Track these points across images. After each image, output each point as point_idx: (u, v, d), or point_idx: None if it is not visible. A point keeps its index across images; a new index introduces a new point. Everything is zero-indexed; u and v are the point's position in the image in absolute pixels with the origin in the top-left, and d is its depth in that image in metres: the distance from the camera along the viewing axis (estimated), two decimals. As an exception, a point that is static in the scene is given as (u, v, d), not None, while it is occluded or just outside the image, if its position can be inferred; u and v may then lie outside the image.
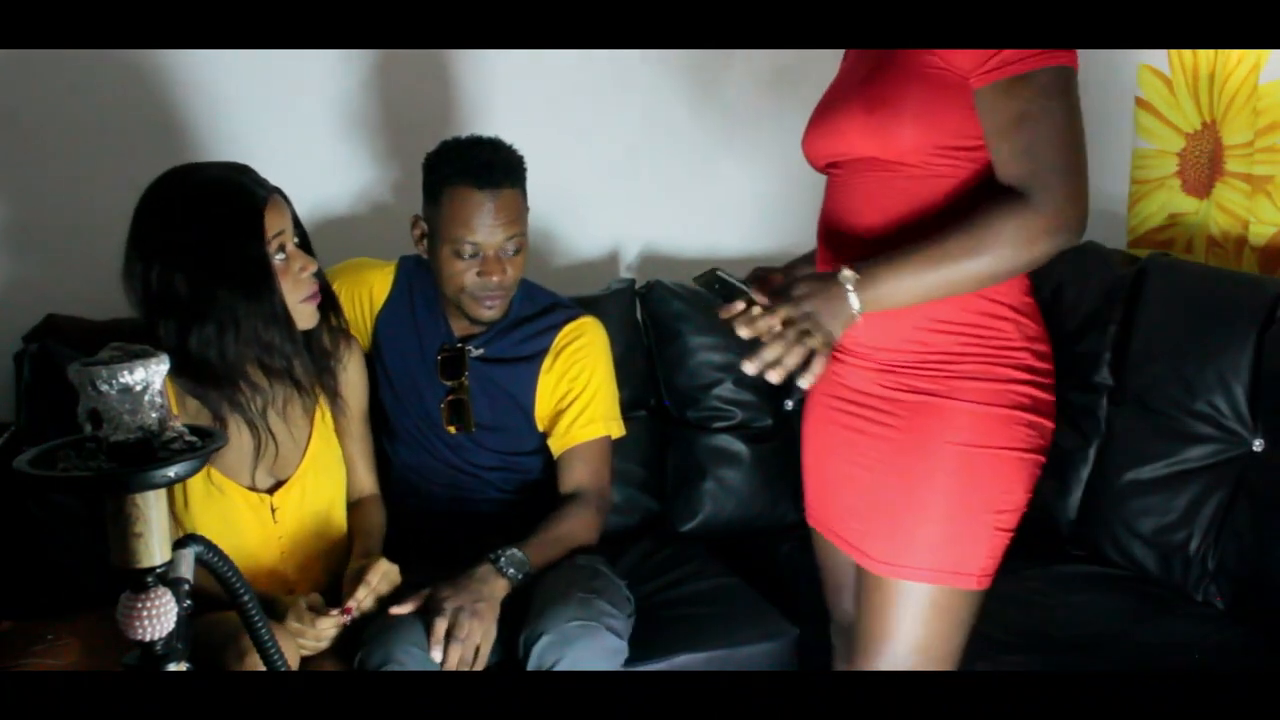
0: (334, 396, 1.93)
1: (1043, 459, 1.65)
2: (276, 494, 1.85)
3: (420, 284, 2.11)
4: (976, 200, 1.47)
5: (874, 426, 1.64)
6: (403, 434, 2.11)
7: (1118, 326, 2.32)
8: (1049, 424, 1.64)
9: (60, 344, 2.07)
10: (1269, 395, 2.06)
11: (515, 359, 2.10)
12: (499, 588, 1.85)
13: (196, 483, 1.77)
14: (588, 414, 2.10)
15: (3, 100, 2.22)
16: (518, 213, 2.00)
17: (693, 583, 2.13)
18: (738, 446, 2.43)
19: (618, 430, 2.15)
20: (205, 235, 1.72)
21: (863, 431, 1.66)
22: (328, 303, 1.89)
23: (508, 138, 2.04)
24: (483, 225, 1.97)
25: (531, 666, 1.78)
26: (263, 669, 1.30)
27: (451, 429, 2.08)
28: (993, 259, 1.44)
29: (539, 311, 2.14)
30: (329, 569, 1.91)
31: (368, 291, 2.13)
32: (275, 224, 1.75)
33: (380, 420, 2.11)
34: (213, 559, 1.17)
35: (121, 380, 0.99)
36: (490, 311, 2.04)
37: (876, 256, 1.50)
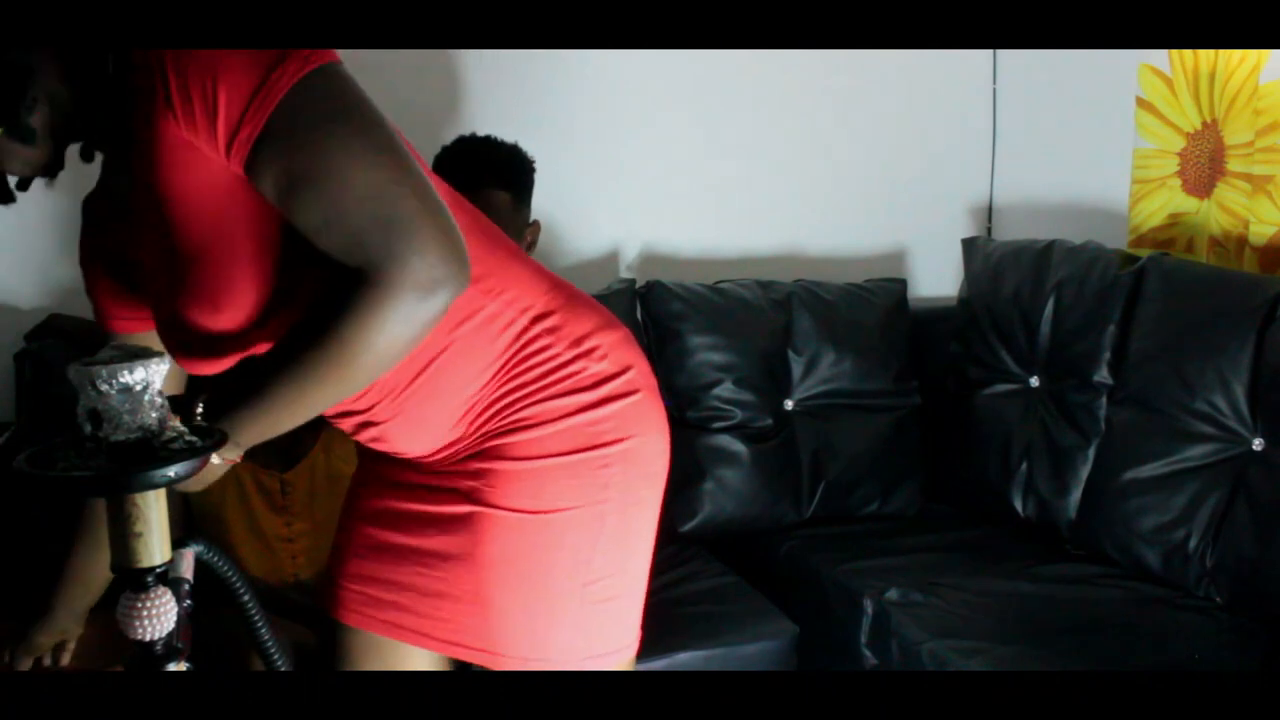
0: None
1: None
2: (288, 473, 1.89)
3: None
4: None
5: None
6: None
7: (1117, 326, 2.32)
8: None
9: (61, 344, 2.07)
10: (1269, 394, 2.05)
11: None
12: None
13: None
14: None
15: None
16: (497, 216, 1.95)
17: (693, 582, 2.13)
18: (737, 446, 2.43)
19: None
20: None
21: None
22: None
23: (508, 138, 2.04)
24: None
25: None
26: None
27: None
28: (373, 359, 1.14)
29: None
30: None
31: None
32: None
33: None
34: (213, 558, 1.17)
35: (121, 380, 0.99)
36: None
37: (226, 398, 1.19)
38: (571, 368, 1.33)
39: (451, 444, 1.34)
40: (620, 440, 1.35)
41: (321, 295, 1.17)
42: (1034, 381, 2.48)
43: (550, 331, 1.33)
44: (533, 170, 2.05)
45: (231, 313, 1.19)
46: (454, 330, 1.27)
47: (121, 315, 1.38)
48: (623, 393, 1.36)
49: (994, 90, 2.97)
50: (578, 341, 1.34)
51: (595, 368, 1.34)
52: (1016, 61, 2.93)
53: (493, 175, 1.97)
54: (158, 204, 1.18)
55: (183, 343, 1.26)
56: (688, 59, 2.61)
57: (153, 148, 1.14)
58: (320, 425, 1.56)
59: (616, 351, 1.37)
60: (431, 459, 1.36)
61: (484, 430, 1.33)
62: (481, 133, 2.04)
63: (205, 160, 1.13)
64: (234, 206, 1.15)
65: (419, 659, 1.42)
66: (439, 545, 1.35)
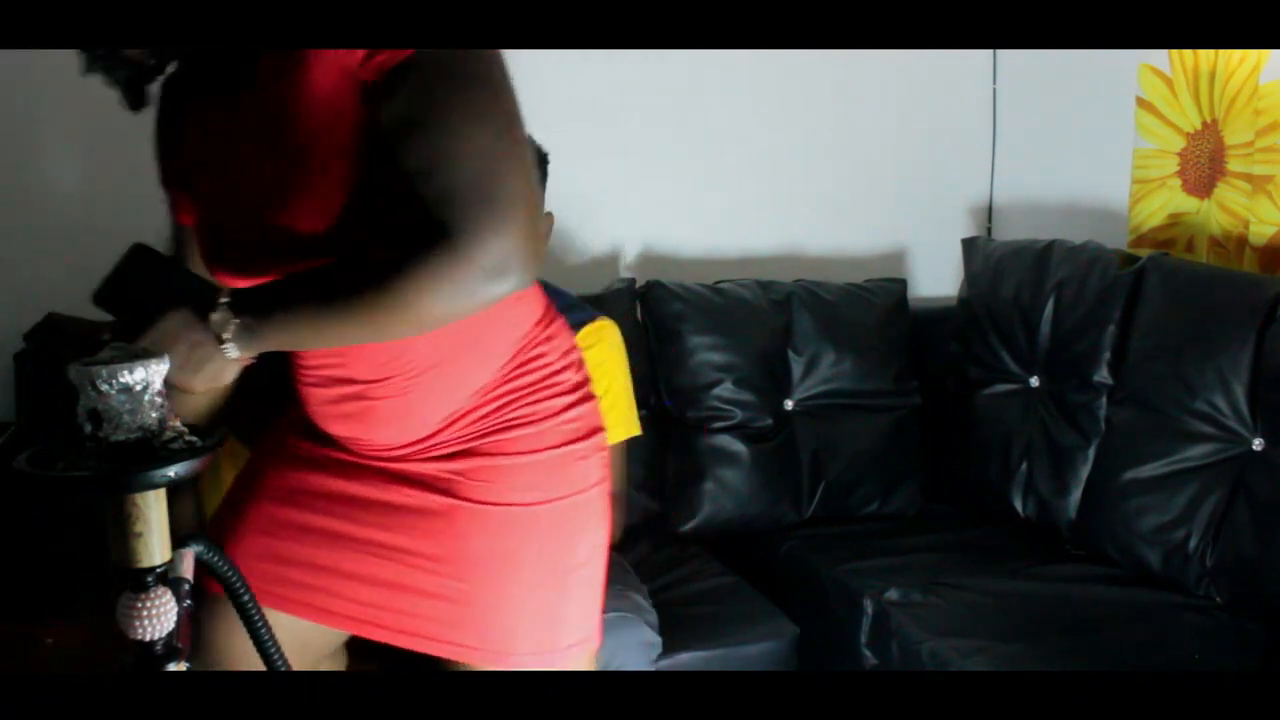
0: None
1: None
2: None
3: None
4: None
5: None
6: None
7: (1117, 326, 2.33)
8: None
9: (60, 343, 2.07)
10: (1269, 394, 2.05)
11: None
12: None
13: (225, 462, 1.78)
14: (609, 419, 2.09)
15: (3, 99, 2.22)
16: None
17: (693, 582, 2.13)
18: (737, 446, 2.43)
19: (635, 429, 2.15)
20: None
21: None
22: None
23: None
24: None
25: None
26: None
27: None
28: (415, 316, 1.13)
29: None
30: None
31: None
32: None
33: None
34: (213, 558, 1.17)
35: (121, 380, 0.99)
36: None
37: (258, 294, 1.19)
38: (561, 376, 1.37)
39: (427, 438, 1.34)
40: (592, 434, 1.39)
41: (387, 234, 1.15)
42: (1034, 381, 2.48)
43: (546, 340, 1.36)
44: (544, 169, 2.04)
45: (302, 214, 1.18)
46: (485, 324, 1.28)
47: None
48: (589, 396, 1.41)
49: (994, 90, 2.97)
50: (566, 353, 1.39)
51: (575, 377, 1.39)
52: (1016, 61, 2.93)
53: None
54: (269, 91, 1.18)
55: (228, 246, 1.26)
56: (687, 59, 2.61)
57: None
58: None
59: (584, 361, 1.44)
60: (399, 449, 1.35)
61: (470, 430, 1.33)
62: None
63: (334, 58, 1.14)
64: (344, 112, 1.16)
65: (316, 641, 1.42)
66: (404, 539, 1.34)
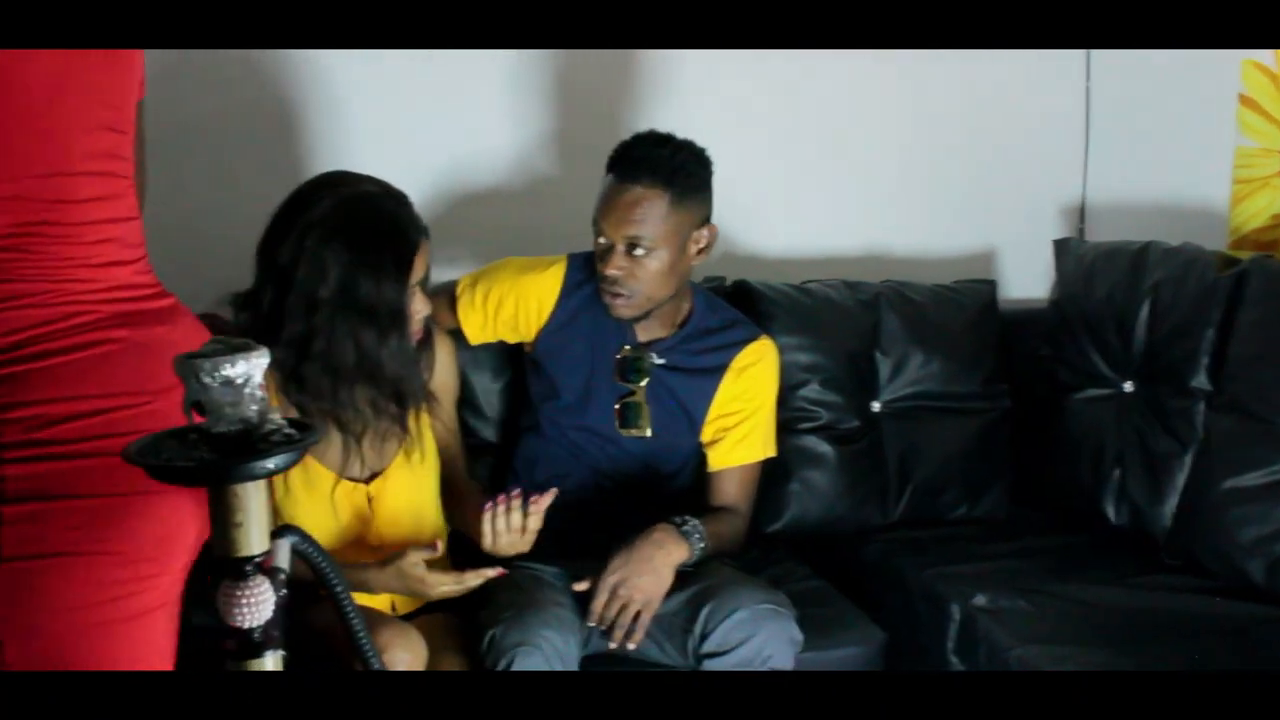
0: (428, 399, 1.95)
1: None
2: (372, 484, 1.88)
3: (595, 283, 2.06)
4: None
5: None
6: (548, 429, 2.11)
7: (1217, 330, 2.27)
8: None
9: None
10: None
11: (694, 370, 2.09)
12: (678, 554, 1.86)
13: (295, 472, 1.81)
14: (752, 437, 2.11)
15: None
16: (647, 213, 1.94)
17: (778, 585, 2.10)
18: (824, 448, 2.42)
19: (773, 451, 2.16)
20: (354, 265, 1.73)
21: None
22: (426, 335, 1.92)
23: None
24: (608, 214, 1.96)
25: (712, 645, 1.78)
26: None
27: (629, 431, 2.07)
28: None
29: (721, 326, 2.13)
30: None
31: (535, 305, 2.11)
32: (418, 272, 1.79)
33: (520, 411, 2.16)
34: (308, 549, 1.19)
35: (224, 373, 1.01)
36: (615, 309, 2.01)
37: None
38: None
39: None
40: None
41: None
42: (1128, 386, 2.42)
43: None
44: (699, 173, 2.01)
45: None
46: None
47: None
48: None
49: (1087, 86, 2.91)
50: None
51: None
52: (1111, 58, 2.87)
53: (660, 176, 1.95)
54: None
55: None
56: (778, 59, 2.60)
57: None
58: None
59: None
60: None
61: None
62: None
63: None
64: None
65: None
66: None
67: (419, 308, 1.82)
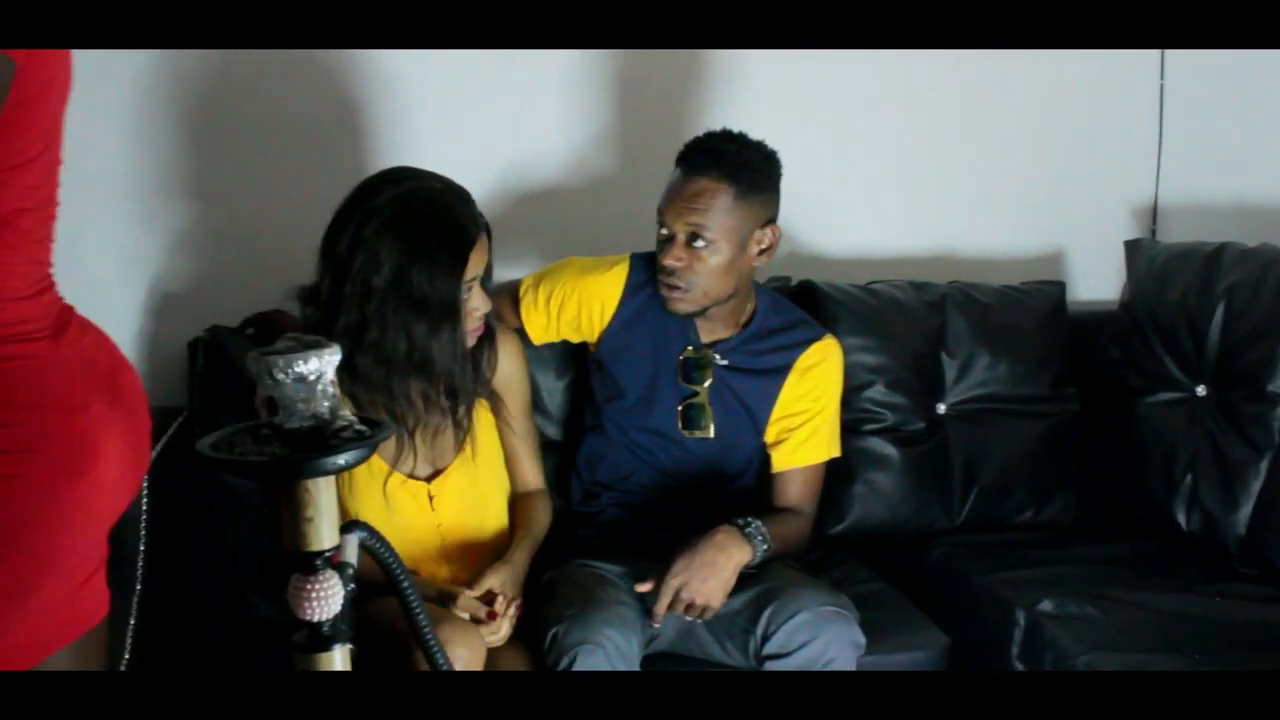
0: (491, 399, 1.97)
1: None
2: (434, 482, 1.90)
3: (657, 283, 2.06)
4: None
5: None
6: (611, 429, 2.11)
7: (1296, 333, 2.22)
8: None
9: (229, 332, 2.16)
10: None
11: (758, 371, 2.08)
12: (740, 556, 1.86)
13: (359, 469, 1.83)
14: (816, 437, 2.10)
15: (201, 103, 2.32)
16: (709, 205, 1.94)
17: (841, 587, 2.09)
18: (888, 450, 2.40)
19: (837, 451, 2.15)
20: (411, 255, 1.75)
21: None
22: (487, 333, 1.93)
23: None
24: (671, 204, 1.97)
25: (774, 647, 1.78)
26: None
27: (693, 432, 2.07)
28: None
29: (785, 326, 2.12)
30: (488, 557, 1.94)
31: (598, 306, 2.11)
32: (475, 267, 1.80)
33: (583, 410, 2.17)
34: (375, 545, 1.20)
35: (297, 370, 1.03)
36: (671, 303, 2.00)
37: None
38: None
39: None
40: None
41: None
42: (1200, 390, 2.38)
43: None
44: (766, 171, 2.00)
45: None
46: None
47: None
48: None
49: (1161, 85, 2.86)
50: None
51: None
52: (1186, 55, 2.81)
53: (723, 168, 1.95)
54: None
55: None
56: (842, 58, 2.58)
57: None
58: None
59: None
60: None
61: None
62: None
63: None
64: None
65: None
66: None
67: (477, 304, 1.83)
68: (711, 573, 1.83)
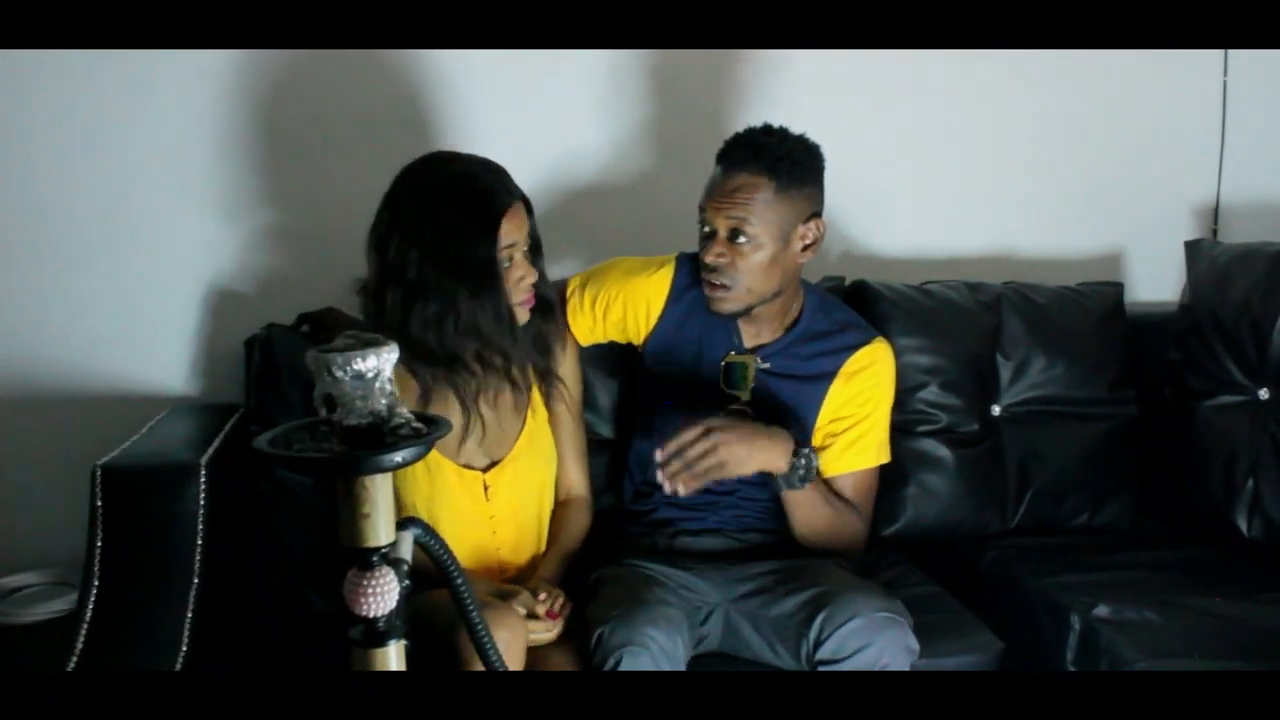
0: (552, 381, 1.98)
1: None
2: (490, 473, 1.92)
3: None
4: None
5: None
6: (658, 431, 2.07)
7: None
8: None
9: (285, 329, 2.18)
10: None
11: (802, 377, 2.06)
12: (775, 457, 1.86)
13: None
14: (865, 442, 2.07)
15: (269, 104, 2.36)
16: (750, 199, 1.92)
17: (893, 590, 2.08)
18: (942, 451, 2.38)
19: (887, 457, 2.12)
20: (444, 225, 1.79)
21: None
22: (543, 306, 1.93)
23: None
24: (712, 200, 1.96)
25: (827, 652, 1.76)
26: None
27: None
28: None
29: (832, 329, 2.10)
30: (540, 549, 1.97)
31: (644, 309, 2.11)
32: (510, 234, 1.82)
33: (633, 409, 2.17)
34: (430, 541, 1.21)
35: (355, 367, 1.04)
36: (714, 303, 1.99)
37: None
38: None
39: None
40: None
41: None
42: (1263, 394, 2.34)
43: None
44: (807, 163, 1.98)
45: None
46: None
47: None
48: None
49: (1224, 83, 2.81)
50: None
51: None
52: (1249, 54, 2.77)
53: (763, 163, 1.93)
54: None
55: None
56: (896, 58, 2.57)
57: None
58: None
59: None
60: None
61: None
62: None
63: None
64: None
65: None
66: None
67: (522, 274, 1.85)
68: (747, 440, 1.84)
